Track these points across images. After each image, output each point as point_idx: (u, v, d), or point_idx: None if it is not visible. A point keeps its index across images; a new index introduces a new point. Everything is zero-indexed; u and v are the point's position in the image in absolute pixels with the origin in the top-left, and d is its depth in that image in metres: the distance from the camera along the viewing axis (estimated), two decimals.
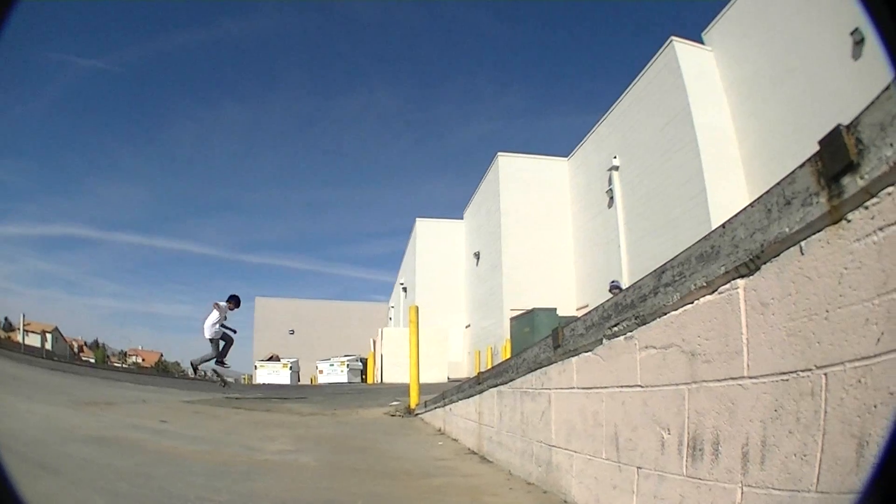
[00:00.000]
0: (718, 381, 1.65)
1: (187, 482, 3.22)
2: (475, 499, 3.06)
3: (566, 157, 26.57)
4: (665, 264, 2.03)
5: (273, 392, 14.24)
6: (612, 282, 13.31)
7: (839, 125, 1.27)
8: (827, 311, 1.28)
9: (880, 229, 1.16)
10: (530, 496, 2.97)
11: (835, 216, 1.27)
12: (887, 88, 1.13)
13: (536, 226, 26.01)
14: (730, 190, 13.65)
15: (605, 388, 2.45)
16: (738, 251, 1.59)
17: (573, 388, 2.84)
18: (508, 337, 18.43)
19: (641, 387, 2.13)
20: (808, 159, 1.34)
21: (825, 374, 1.26)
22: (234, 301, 11.76)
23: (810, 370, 1.30)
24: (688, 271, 1.87)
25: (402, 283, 39.15)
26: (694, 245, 1.84)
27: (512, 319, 18.47)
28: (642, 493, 2.00)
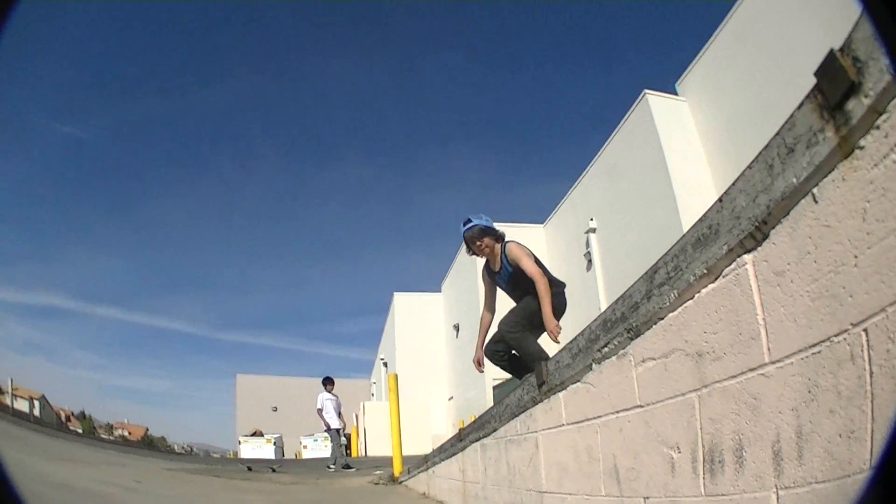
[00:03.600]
0: (733, 377, 1.42)
1: None
2: None
3: (542, 223, 26.80)
4: (657, 262, 1.82)
5: (254, 463, 13.79)
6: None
7: (832, 49, 1.11)
8: (855, 258, 1.07)
9: None
10: None
11: (846, 148, 1.09)
12: None
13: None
14: None
15: (599, 417, 2.19)
16: (741, 222, 1.38)
17: (562, 425, 2.57)
18: (492, 403, 17.95)
19: (641, 406, 1.88)
20: (806, 97, 1.18)
21: (865, 330, 1.04)
22: (332, 382, 11.95)
23: (846, 331, 1.08)
24: (684, 263, 1.65)
25: (382, 359, 38.67)
26: (689, 231, 1.64)
27: (494, 388, 18.14)
28: None
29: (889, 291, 0.99)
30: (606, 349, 2.17)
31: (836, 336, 1.11)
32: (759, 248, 1.34)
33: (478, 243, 4.45)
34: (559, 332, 4.12)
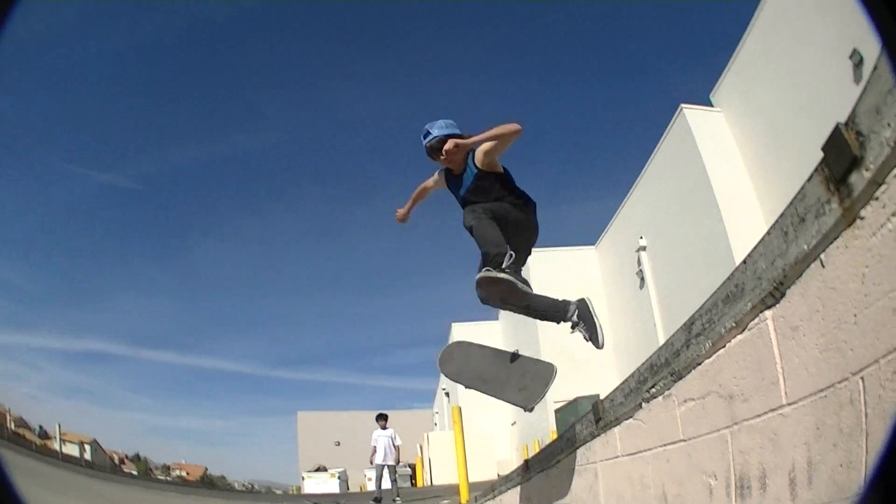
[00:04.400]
0: (758, 416, 1.62)
1: None
2: None
3: (593, 244, 26.80)
4: (693, 315, 2.04)
5: (320, 499, 14.05)
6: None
7: (837, 123, 1.30)
8: (855, 316, 1.27)
9: (893, 214, 1.16)
10: None
11: (849, 218, 1.28)
12: (875, 69, 1.17)
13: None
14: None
15: (650, 449, 2.40)
16: (762, 282, 1.60)
17: (618, 456, 2.77)
18: (554, 428, 17.94)
19: (684, 441, 2.08)
20: (815, 169, 1.37)
21: (861, 378, 1.23)
22: (385, 418, 12.27)
23: (847, 378, 1.28)
24: (716, 316, 1.87)
25: (444, 388, 38.87)
26: (718, 289, 1.85)
27: (556, 411, 18.13)
28: None
29: (881, 346, 1.19)
30: (654, 390, 2.38)
31: (838, 383, 1.31)
32: (777, 306, 1.55)
33: (444, 153, 3.76)
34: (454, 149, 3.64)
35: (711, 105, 16.95)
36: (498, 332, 34.10)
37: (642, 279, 20.86)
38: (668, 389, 2.25)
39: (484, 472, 19.35)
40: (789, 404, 1.49)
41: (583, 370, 24.21)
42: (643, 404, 2.50)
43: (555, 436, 17.30)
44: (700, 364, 1.99)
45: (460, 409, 8.87)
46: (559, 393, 22.23)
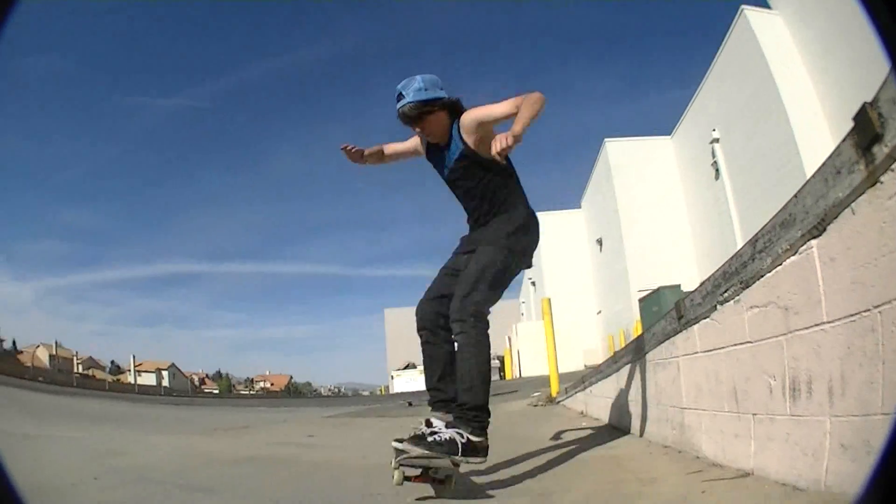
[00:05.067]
0: (807, 329, 1.91)
1: (347, 486, 3.36)
2: (618, 465, 3.37)
3: (669, 134, 26.35)
4: (757, 234, 2.29)
5: (411, 397, 14.82)
6: None
7: (864, 103, 1.52)
8: (875, 259, 1.53)
9: None
10: (666, 457, 3.25)
11: (871, 180, 1.53)
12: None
13: (652, 205, 26.11)
14: (820, 148, 13.60)
15: (723, 348, 2.71)
16: (809, 216, 1.85)
17: (696, 352, 3.09)
18: (639, 318, 18.44)
19: (751, 342, 2.38)
20: (848, 133, 1.61)
21: (880, 312, 1.51)
22: None
23: (869, 310, 1.55)
24: (774, 238, 2.12)
25: (530, 278, 39.54)
26: (776, 215, 2.09)
27: (640, 301, 18.55)
28: (758, 437, 2.26)
29: (894, 290, 1.47)
30: (726, 294, 2.67)
31: (864, 312, 1.58)
32: (820, 237, 1.81)
33: (420, 124, 3.22)
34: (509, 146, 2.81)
35: (769, 7, 17.41)
36: (581, 221, 34.17)
37: (717, 171, 20.82)
38: (738, 296, 2.52)
39: (570, 362, 20.01)
40: (828, 322, 1.77)
41: (664, 259, 24.56)
42: (718, 307, 2.78)
43: (639, 325, 17.83)
44: (763, 277, 2.26)
45: (549, 300, 9.19)
46: (642, 282, 22.72)
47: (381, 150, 3.65)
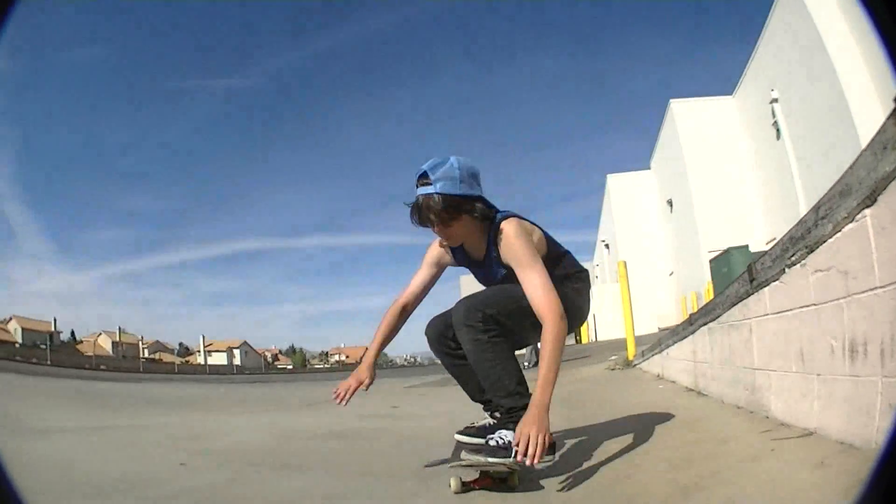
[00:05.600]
0: (863, 292, 2.00)
1: (437, 456, 3.31)
2: (695, 426, 3.50)
3: (731, 94, 26.03)
4: (819, 201, 2.36)
5: None
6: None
7: None
8: None
9: None
10: (738, 418, 3.35)
11: None
12: None
13: (719, 165, 26.03)
14: (871, 111, 13.24)
15: (790, 310, 2.79)
16: (862, 187, 1.93)
17: (767, 314, 3.17)
18: (710, 279, 18.28)
19: (815, 305, 2.46)
20: (891, 112, 1.68)
21: None
22: None
23: None
24: (834, 205, 2.20)
25: (603, 241, 39.29)
26: (835, 184, 2.17)
27: (710, 262, 18.48)
28: (820, 396, 2.37)
29: None
30: (794, 258, 2.74)
31: None
32: (872, 206, 1.89)
33: (440, 226, 2.61)
34: (537, 453, 2.22)
35: None
36: (651, 182, 33.66)
37: (777, 130, 20.38)
38: (804, 260, 2.60)
39: (644, 325, 19.96)
40: (880, 287, 1.86)
41: (732, 219, 24.16)
42: (786, 270, 2.86)
43: (710, 286, 17.60)
44: (825, 242, 2.34)
45: (625, 263, 9.20)
46: (712, 243, 22.50)
47: (395, 318, 3.06)
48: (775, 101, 20.61)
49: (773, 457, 2.37)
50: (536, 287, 2.51)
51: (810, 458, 2.18)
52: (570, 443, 3.44)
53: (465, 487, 2.49)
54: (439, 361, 3.09)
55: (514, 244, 2.57)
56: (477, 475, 2.53)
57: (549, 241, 2.87)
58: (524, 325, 2.59)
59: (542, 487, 2.49)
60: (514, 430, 2.39)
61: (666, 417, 3.90)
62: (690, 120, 27.31)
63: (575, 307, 2.81)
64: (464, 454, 2.45)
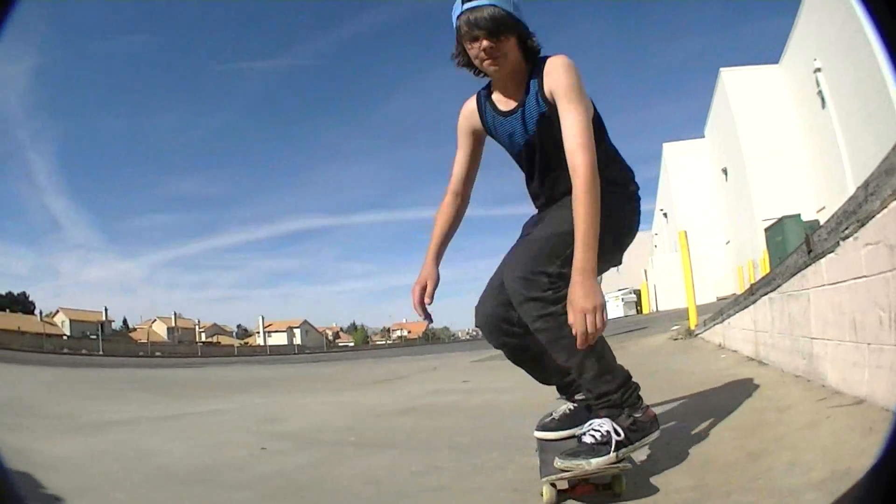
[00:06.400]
0: None
1: (516, 426, 3.32)
2: (757, 395, 3.60)
3: (776, 62, 25.49)
4: (868, 178, 2.43)
5: None
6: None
7: None
8: None
9: None
10: (797, 386, 3.43)
11: None
12: None
13: (770, 134, 25.59)
14: None
15: (844, 281, 2.85)
16: None
17: (823, 285, 3.22)
18: (765, 248, 18.01)
19: (865, 277, 2.53)
20: None
21: None
22: None
23: None
24: (882, 183, 2.27)
25: (661, 209, 38.69)
26: (882, 162, 2.24)
27: (766, 230, 18.27)
28: (870, 365, 2.45)
29: None
30: (847, 231, 2.80)
31: None
32: None
33: (490, 40, 2.15)
34: (597, 330, 1.97)
35: None
36: (707, 150, 33.06)
37: (822, 99, 19.89)
38: (856, 233, 2.66)
39: (702, 294, 19.87)
40: None
41: (784, 187, 23.67)
42: (840, 242, 2.91)
43: (766, 255, 17.31)
44: (874, 217, 2.40)
45: (686, 233, 9.16)
46: (766, 211, 22.12)
47: (449, 219, 2.64)
48: (818, 70, 20.45)
49: (829, 423, 2.48)
50: (575, 124, 2.10)
51: (860, 424, 2.28)
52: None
53: (560, 497, 2.12)
54: (506, 355, 2.51)
55: (563, 72, 2.18)
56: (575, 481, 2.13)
57: (604, 131, 2.36)
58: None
59: (657, 490, 2.14)
60: (608, 417, 2.13)
61: (730, 386, 4.01)
62: (741, 88, 27.25)
63: (620, 214, 2.37)
64: (559, 461, 2.04)
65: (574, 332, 1.95)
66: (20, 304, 61.23)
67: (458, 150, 2.61)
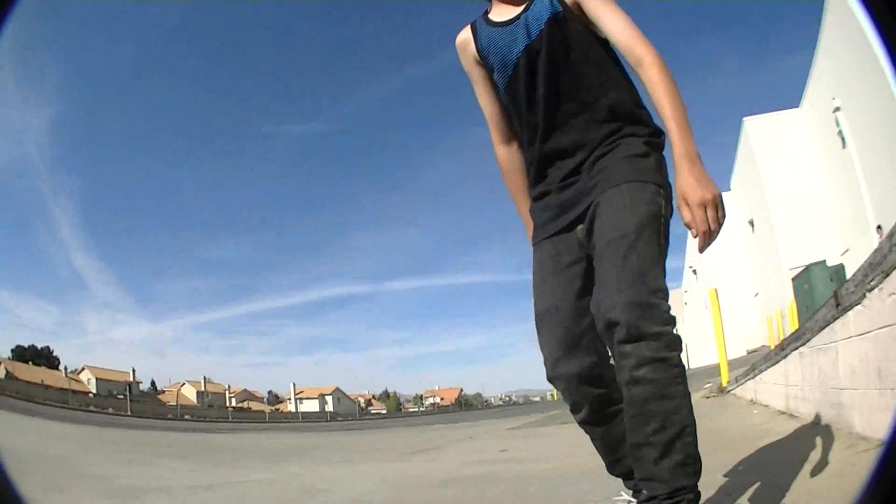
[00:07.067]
0: None
1: (562, 495, 3.26)
2: (787, 448, 3.67)
3: (797, 106, 25.69)
4: (892, 229, 2.57)
5: None
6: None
7: None
8: None
9: None
10: (827, 436, 3.48)
11: None
12: None
13: (795, 180, 25.35)
14: None
15: (870, 331, 2.96)
16: None
17: (851, 337, 3.32)
18: (793, 298, 17.84)
19: (890, 325, 2.65)
20: None
21: None
22: None
23: None
24: None
25: (690, 266, 38.54)
26: None
27: (793, 280, 18.24)
28: (893, 409, 2.54)
29: None
30: (872, 283, 2.92)
31: None
32: None
33: None
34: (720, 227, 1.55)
35: None
36: (731, 200, 32.99)
37: (843, 139, 19.93)
38: (881, 284, 2.79)
39: (732, 347, 19.69)
40: None
41: (809, 233, 23.57)
42: (866, 294, 3.03)
43: (793, 305, 17.17)
44: None
45: (716, 291, 9.24)
46: (793, 259, 21.94)
47: (516, 172, 2.03)
48: (838, 109, 20.29)
49: (855, 471, 2.55)
50: (624, 19, 1.67)
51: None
52: None
53: None
54: (585, 430, 1.99)
55: None
56: None
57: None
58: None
59: None
60: None
61: (763, 442, 4.06)
62: (764, 136, 27.26)
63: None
64: None
65: (695, 233, 1.51)
66: (44, 357, 60.93)
67: (477, 93, 2.00)
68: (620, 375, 1.61)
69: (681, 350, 1.64)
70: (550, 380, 1.83)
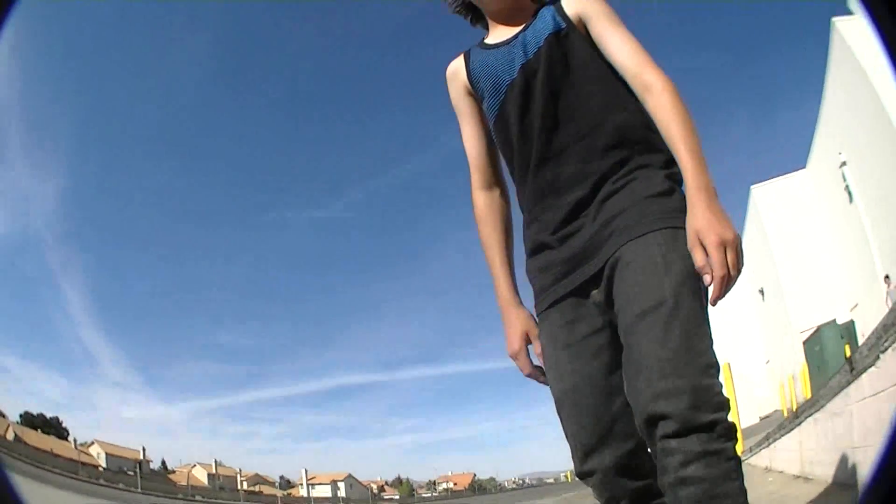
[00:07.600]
0: None
1: None
2: None
3: (804, 166, 26.25)
4: None
5: None
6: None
7: None
8: None
9: None
10: (844, 494, 3.64)
11: None
12: None
13: (803, 242, 25.56)
14: None
15: (884, 390, 3.16)
16: None
17: (865, 398, 3.51)
18: (804, 360, 17.72)
19: None
20: None
21: None
22: None
23: None
24: None
25: None
26: None
27: (804, 343, 18.18)
28: None
29: None
30: (886, 343, 3.15)
31: None
32: None
33: None
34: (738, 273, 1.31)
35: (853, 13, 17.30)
36: (743, 273, 33.14)
37: (849, 194, 20.18)
38: (893, 343, 3.02)
39: (745, 415, 19.53)
40: None
41: (819, 293, 23.59)
42: (880, 355, 3.25)
43: (805, 368, 17.11)
44: None
45: (729, 365, 9.32)
46: (803, 321, 21.88)
47: (501, 226, 1.69)
48: (844, 164, 20.36)
49: None
50: (633, 42, 1.49)
51: None
52: None
53: None
54: None
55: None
56: None
57: None
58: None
59: None
60: None
61: None
62: (772, 203, 27.27)
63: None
64: None
65: (709, 279, 1.30)
66: (53, 427, 60.46)
67: (463, 129, 1.74)
68: (664, 477, 1.30)
69: (736, 440, 1.33)
70: (581, 475, 1.50)
